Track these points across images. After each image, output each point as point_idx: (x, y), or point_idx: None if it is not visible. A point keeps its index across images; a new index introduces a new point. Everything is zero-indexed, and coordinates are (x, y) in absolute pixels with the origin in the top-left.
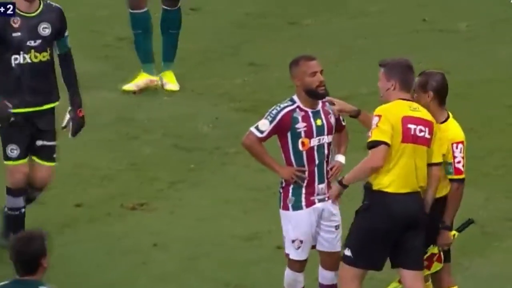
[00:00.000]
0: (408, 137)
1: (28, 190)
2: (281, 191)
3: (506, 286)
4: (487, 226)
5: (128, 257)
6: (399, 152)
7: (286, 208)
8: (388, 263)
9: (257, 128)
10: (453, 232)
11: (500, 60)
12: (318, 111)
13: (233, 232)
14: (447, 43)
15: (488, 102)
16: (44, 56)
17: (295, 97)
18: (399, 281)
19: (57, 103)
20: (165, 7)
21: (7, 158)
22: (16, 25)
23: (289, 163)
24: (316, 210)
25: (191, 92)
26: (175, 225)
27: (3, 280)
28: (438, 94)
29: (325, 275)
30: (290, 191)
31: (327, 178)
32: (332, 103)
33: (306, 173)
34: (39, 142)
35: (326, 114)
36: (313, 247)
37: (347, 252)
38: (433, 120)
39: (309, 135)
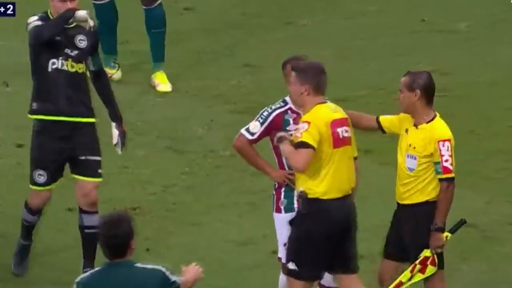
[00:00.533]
0: (339, 142)
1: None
2: (274, 193)
3: None
4: (488, 230)
5: None
6: (332, 158)
7: (278, 210)
8: None
9: (247, 130)
10: (446, 233)
11: (500, 61)
12: None
13: (227, 236)
14: (446, 44)
15: (488, 104)
16: (80, 68)
17: (287, 98)
18: (411, 271)
19: (94, 119)
20: (144, 7)
21: (33, 183)
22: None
23: (281, 165)
24: None
25: (185, 93)
26: (168, 229)
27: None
28: (426, 92)
29: (325, 277)
30: (282, 193)
31: None
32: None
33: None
34: (82, 157)
35: None
36: None
37: (292, 266)
38: (347, 115)
39: None
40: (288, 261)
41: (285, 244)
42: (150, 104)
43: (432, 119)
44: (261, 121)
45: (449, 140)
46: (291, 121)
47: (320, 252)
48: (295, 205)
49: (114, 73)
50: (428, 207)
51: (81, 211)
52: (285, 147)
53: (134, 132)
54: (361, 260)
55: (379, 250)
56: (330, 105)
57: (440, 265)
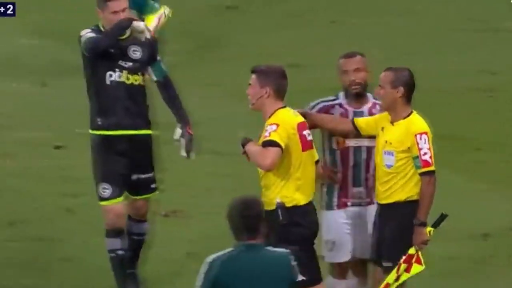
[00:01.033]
0: (306, 144)
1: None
2: (320, 191)
3: None
4: None
5: (162, 266)
6: (302, 161)
7: (321, 207)
8: None
9: None
10: (429, 228)
11: None
12: (362, 112)
13: None
14: (494, 43)
15: None
16: (136, 80)
17: (341, 94)
18: (397, 271)
19: (151, 132)
20: None
21: (100, 198)
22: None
23: (323, 161)
24: (349, 213)
25: (228, 94)
26: (209, 233)
27: None
28: (408, 89)
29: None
30: (325, 190)
31: (366, 183)
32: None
33: (340, 174)
34: (134, 176)
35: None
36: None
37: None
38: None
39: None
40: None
41: (326, 242)
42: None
43: (408, 115)
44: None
45: (426, 133)
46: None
47: (314, 255)
48: (335, 204)
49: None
50: (410, 207)
51: (130, 218)
52: (251, 147)
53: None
54: None
55: None
56: (290, 109)
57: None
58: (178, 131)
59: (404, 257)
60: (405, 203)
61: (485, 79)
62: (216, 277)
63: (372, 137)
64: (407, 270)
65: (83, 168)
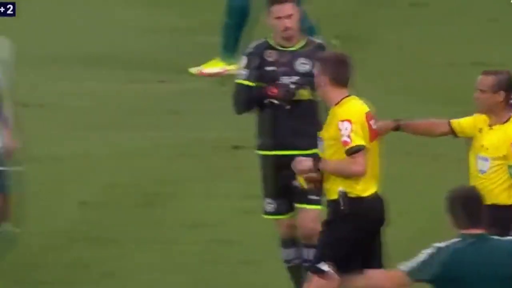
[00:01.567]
0: (373, 135)
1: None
2: None
3: None
4: None
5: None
6: (368, 152)
7: None
8: None
9: None
10: None
11: None
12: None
13: None
14: None
15: None
16: (302, 95)
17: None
18: None
19: (316, 151)
20: None
21: (264, 211)
22: (270, 59)
23: None
24: None
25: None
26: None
27: None
28: (509, 93)
29: None
30: None
31: None
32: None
33: None
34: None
35: None
36: None
37: (324, 267)
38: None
39: None
40: (319, 261)
41: None
42: None
43: (507, 120)
44: None
45: None
46: None
47: (357, 251)
48: None
49: (231, 70)
50: (494, 210)
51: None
52: (331, 165)
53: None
54: None
55: None
56: (356, 98)
57: None
58: None
59: None
60: (489, 206)
61: None
62: (445, 263)
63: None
64: None
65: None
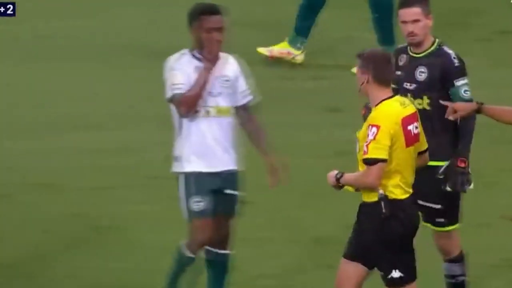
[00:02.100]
0: (411, 140)
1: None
2: None
3: None
4: None
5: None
6: (404, 157)
7: None
8: None
9: None
10: None
11: None
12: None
13: None
14: None
15: None
16: (419, 104)
17: None
18: None
19: (443, 163)
20: None
21: None
22: (400, 63)
23: None
24: None
25: None
26: None
27: None
28: None
29: None
30: None
31: None
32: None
33: None
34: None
35: None
36: None
37: (396, 274)
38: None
39: None
40: (390, 270)
41: None
42: None
43: None
44: None
45: None
46: None
47: (413, 251)
48: None
49: (298, 55)
50: None
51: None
52: (350, 181)
53: None
54: None
55: None
56: (399, 98)
57: None
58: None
59: None
60: None
61: None
62: None
63: None
64: None
65: None
